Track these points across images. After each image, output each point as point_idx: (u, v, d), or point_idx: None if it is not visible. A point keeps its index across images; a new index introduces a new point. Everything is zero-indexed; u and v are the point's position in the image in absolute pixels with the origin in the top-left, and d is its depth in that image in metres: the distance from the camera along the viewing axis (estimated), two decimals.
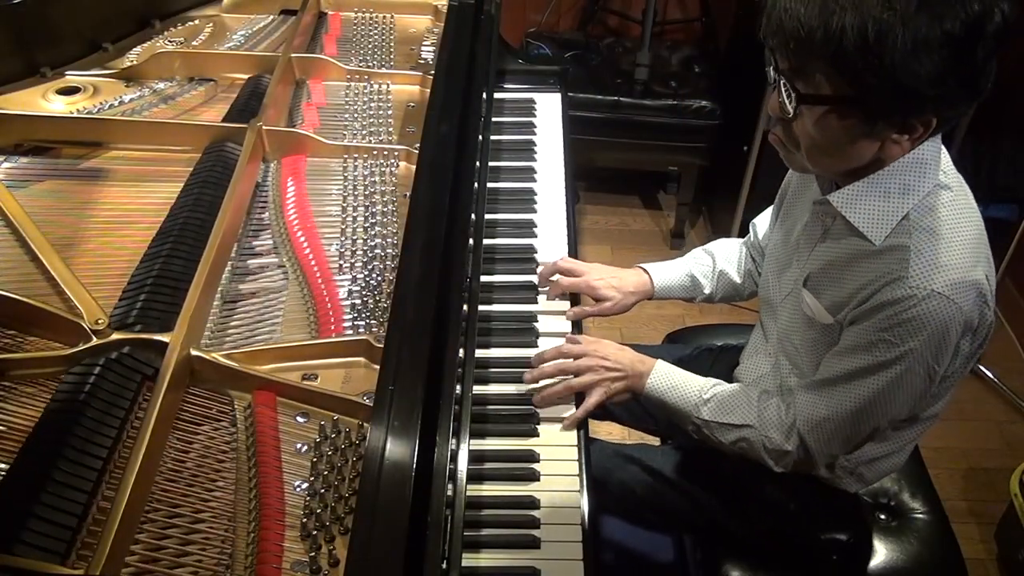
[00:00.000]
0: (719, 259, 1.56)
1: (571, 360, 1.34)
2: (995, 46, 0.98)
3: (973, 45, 0.97)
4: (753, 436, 1.27)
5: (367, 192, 1.48)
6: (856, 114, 1.04)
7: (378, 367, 1.09)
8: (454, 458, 1.06)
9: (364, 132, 1.61)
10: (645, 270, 1.54)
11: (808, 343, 1.27)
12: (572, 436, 1.29)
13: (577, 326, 1.47)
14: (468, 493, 1.08)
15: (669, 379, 1.33)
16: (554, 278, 1.51)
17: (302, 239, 1.37)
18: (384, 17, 1.98)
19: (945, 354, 1.12)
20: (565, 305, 1.50)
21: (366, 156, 1.54)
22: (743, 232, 1.62)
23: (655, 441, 1.80)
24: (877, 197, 1.12)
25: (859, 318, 1.14)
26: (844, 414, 1.19)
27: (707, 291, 1.55)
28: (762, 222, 1.56)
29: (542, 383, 1.34)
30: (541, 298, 1.51)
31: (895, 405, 1.18)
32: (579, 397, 1.33)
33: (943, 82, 0.98)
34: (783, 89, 1.07)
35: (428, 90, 1.60)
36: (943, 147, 1.14)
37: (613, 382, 1.33)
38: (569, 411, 1.31)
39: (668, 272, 1.54)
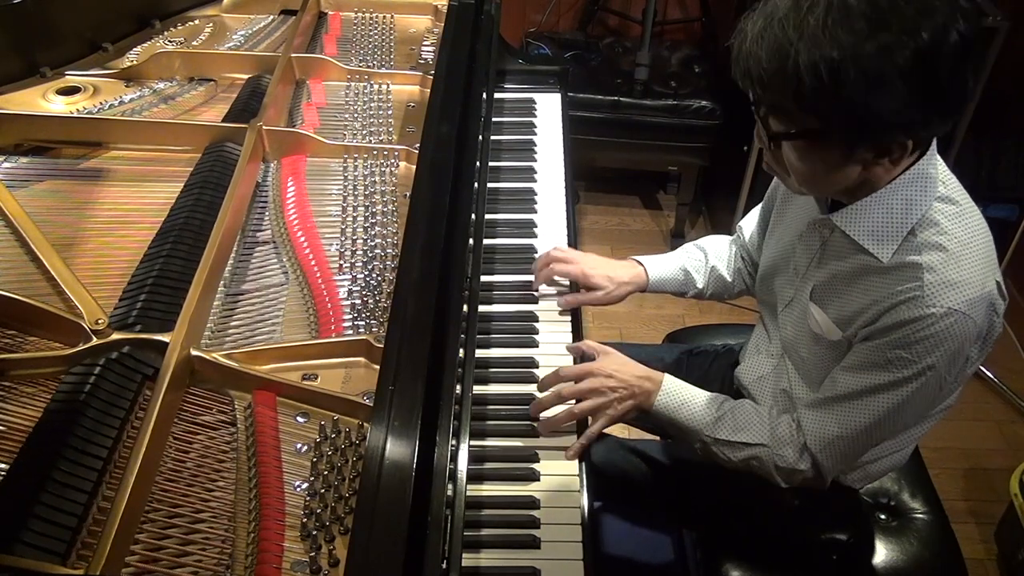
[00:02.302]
0: (711, 256, 1.55)
1: (572, 384, 1.29)
2: (960, 63, 0.97)
3: (932, 71, 0.96)
4: (765, 455, 1.25)
5: (367, 192, 1.48)
6: (829, 145, 1.05)
7: (378, 367, 1.09)
8: (454, 458, 1.06)
9: (364, 132, 1.61)
10: (639, 262, 1.53)
11: (816, 357, 1.26)
12: (572, 436, 1.28)
13: (576, 327, 1.47)
14: (468, 493, 1.08)
15: (678, 396, 1.29)
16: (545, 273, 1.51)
17: (302, 239, 1.37)
18: (384, 17, 1.98)
19: (957, 365, 1.13)
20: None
21: (366, 156, 1.54)
22: None
23: (656, 437, 1.80)
24: (880, 214, 1.12)
25: (872, 335, 1.14)
26: (857, 430, 1.18)
27: (699, 286, 1.54)
28: (748, 224, 1.56)
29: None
30: (541, 298, 1.51)
31: (907, 417, 1.18)
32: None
33: (908, 109, 0.98)
34: (759, 125, 1.10)
35: (428, 90, 1.60)
36: (939, 158, 1.14)
37: (620, 402, 1.28)
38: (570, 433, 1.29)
39: (662, 265, 1.53)
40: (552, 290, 1.51)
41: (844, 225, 1.15)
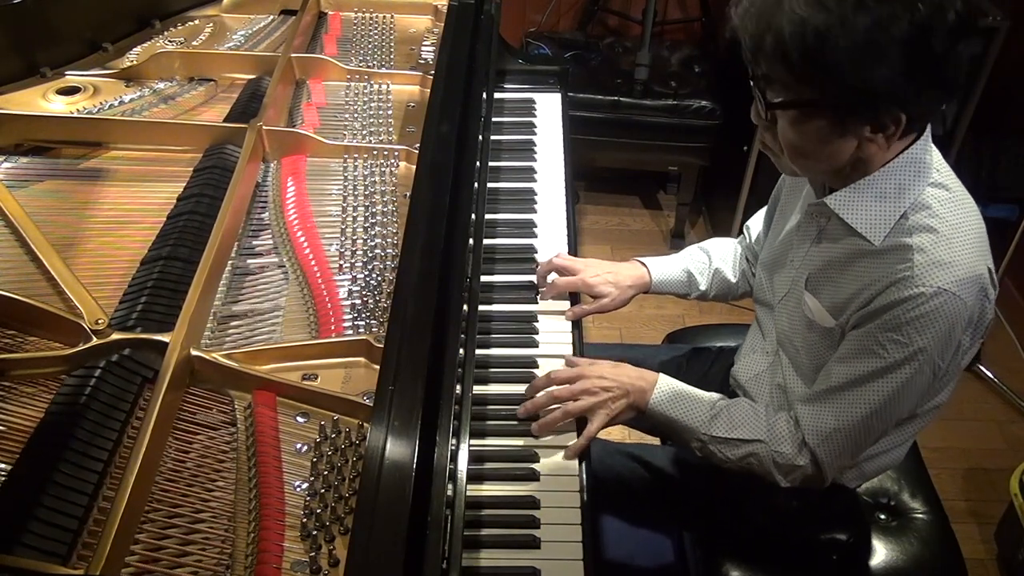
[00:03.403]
0: (715, 257, 1.56)
1: (565, 386, 1.28)
2: (956, 42, 0.98)
3: (926, 45, 0.96)
4: (763, 451, 1.25)
5: (367, 192, 1.48)
6: (823, 116, 1.05)
7: (378, 367, 1.09)
8: (454, 458, 1.06)
9: (364, 132, 1.61)
10: (643, 263, 1.54)
11: (808, 346, 1.27)
12: (572, 436, 1.28)
13: (577, 326, 1.47)
14: (468, 493, 1.08)
15: (673, 394, 1.28)
16: (550, 277, 1.51)
17: (302, 239, 1.37)
18: (384, 17, 1.98)
19: (949, 350, 1.13)
20: (565, 304, 1.50)
21: (366, 156, 1.54)
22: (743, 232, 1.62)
23: (655, 441, 1.80)
24: (873, 198, 1.13)
25: (863, 321, 1.14)
26: (853, 422, 1.18)
27: (702, 288, 1.55)
28: (755, 224, 1.56)
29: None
30: (541, 298, 1.51)
31: (903, 407, 1.18)
32: (580, 421, 1.29)
33: (901, 81, 0.99)
34: (757, 97, 1.10)
35: (428, 90, 1.60)
36: (933, 146, 1.15)
37: (614, 401, 1.27)
38: (570, 429, 1.28)
39: (665, 267, 1.54)
40: (557, 308, 1.49)
41: (838, 208, 1.15)
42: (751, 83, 1.10)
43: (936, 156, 1.15)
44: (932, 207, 1.11)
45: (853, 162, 1.12)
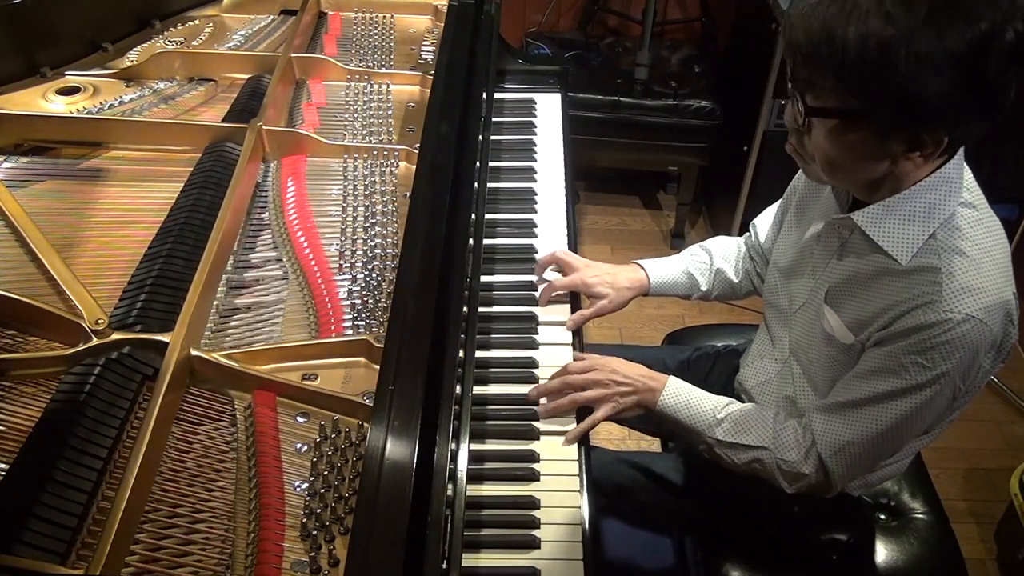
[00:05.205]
0: (716, 257, 1.55)
1: (577, 376, 1.31)
2: (1011, 64, 0.96)
3: (982, 64, 0.94)
4: (768, 458, 1.25)
5: (367, 192, 1.48)
6: (865, 128, 1.03)
7: (378, 367, 1.09)
8: (454, 458, 1.06)
9: (364, 132, 1.61)
10: (641, 266, 1.53)
11: (825, 359, 1.25)
12: (572, 426, 1.28)
13: (577, 332, 1.47)
14: (468, 493, 1.08)
15: (682, 397, 1.29)
16: (547, 274, 1.52)
17: (302, 239, 1.37)
18: (384, 17, 1.98)
19: (971, 374, 1.11)
20: (564, 306, 1.50)
21: (366, 156, 1.54)
22: (743, 232, 1.61)
23: (655, 442, 1.80)
24: (902, 217, 1.10)
25: (886, 340, 1.12)
26: (869, 437, 1.17)
27: (703, 288, 1.54)
28: (763, 222, 1.54)
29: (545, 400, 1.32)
30: (539, 299, 1.50)
31: (919, 426, 1.18)
32: (582, 412, 1.31)
33: (951, 100, 0.96)
34: (796, 101, 1.07)
35: (428, 90, 1.60)
36: (965, 164, 1.13)
37: (623, 396, 1.29)
38: (570, 424, 1.29)
39: (664, 269, 1.53)
40: (556, 310, 1.50)
41: (864, 225, 1.13)
42: (789, 85, 1.07)
43: (967, 174, 1.13)
44: (962, 228, 1.09)
45: (884, 177, 1.09)
